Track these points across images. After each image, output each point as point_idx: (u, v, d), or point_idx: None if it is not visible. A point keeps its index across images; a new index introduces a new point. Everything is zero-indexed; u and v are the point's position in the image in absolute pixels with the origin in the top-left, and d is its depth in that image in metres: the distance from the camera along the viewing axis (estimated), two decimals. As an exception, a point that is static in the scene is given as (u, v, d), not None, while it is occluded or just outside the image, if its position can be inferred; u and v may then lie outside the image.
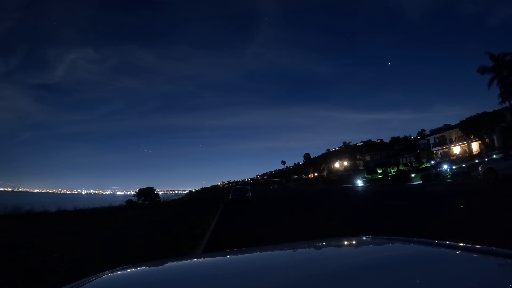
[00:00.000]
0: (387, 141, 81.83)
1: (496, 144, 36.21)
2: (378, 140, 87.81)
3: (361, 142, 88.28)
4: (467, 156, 38.72)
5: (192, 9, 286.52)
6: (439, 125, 52.24)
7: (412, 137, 76.28)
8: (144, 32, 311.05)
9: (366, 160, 69.17)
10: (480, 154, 36.28)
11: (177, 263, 1.31)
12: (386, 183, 29.74)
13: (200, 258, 1.69)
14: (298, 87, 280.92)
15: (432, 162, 39.99)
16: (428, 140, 52.68)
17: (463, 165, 27.04)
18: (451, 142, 45.74)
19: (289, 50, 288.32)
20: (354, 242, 1.39)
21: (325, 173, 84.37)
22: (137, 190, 43.86)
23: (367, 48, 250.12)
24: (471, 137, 39.91)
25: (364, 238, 1.44)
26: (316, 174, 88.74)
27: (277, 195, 28.64)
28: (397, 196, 13.06)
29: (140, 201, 37.54)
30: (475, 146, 41.35)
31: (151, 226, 8.11)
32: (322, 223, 7.75)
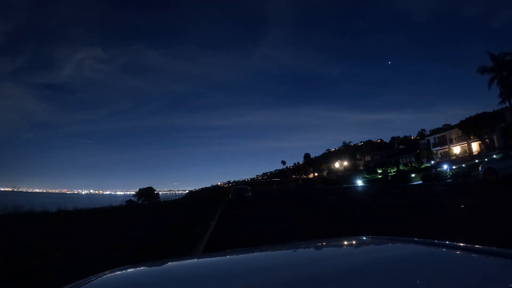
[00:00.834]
0: (387, 141, 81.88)
1: (496, 144, 36.21)
2: (378, 140, 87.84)
3: (361, 142, 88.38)
4: (467, 156, 38.71)
5: (201, 9, 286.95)
6: (440, 125, 52.30)
7: (412, 137, 76.25)
8: (153, 32, 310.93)
9: (366, 160, 69.15)
10: (480, 154, 36.27)
11: (177, 263, 1.31)
12: (386, 183, 29.72)
13: (200, 258, 1.69)
14: (302, 87, 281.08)
15: (432, 162, 39.97)
16: (428, 140, 52.68)
17: (463, 165, 27.03)
18: (451, 142, 45.74)
19: (295, 51, 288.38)
20: (354, 242, 1.39)
21: (325, 173, 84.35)
22: (137, 190, 43.96)
23: (370, 49, 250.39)
24: (471, 137, 39.91)
25: (364, 238, 1.44)
26: (316, 174, 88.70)
27: (277, 195, 28.64)
28: (398, 196, 13.06)
29: (140, 201, 37.55)
30: (475, 146, 41.35)
31: (151, 226, 8.11)
32: (323, 223, 7.74)
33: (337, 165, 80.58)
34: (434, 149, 48.87)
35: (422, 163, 43.56)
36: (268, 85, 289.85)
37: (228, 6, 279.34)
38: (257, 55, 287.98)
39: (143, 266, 1.21)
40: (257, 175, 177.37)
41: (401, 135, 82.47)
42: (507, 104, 34.37)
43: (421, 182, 23.77)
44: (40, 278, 3.45)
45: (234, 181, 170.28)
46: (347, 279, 0.77)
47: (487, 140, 37.57)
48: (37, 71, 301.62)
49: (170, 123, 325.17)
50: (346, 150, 79.84)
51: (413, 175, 29.69)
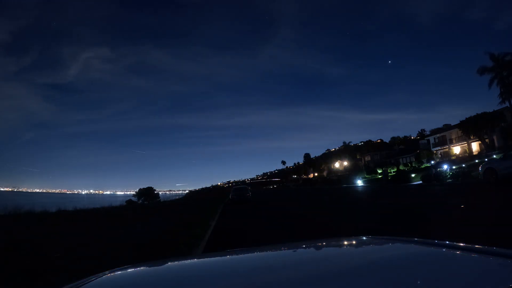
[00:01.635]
0: (387, 141, 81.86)
1: (496, 144, 36.21)
2: (378, 140, 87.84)
3: (361, 142, 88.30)
4: (467, 156, 38.71)
5: (207, 11, 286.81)
6: (440, 125, 52.31)
7: (412, 137, 76.24)
8: (160, 32, 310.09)
9: (366, 160, 69.17)
10: (480, 154, 36.28)
11: (177, 263, 1.31)
12: (386, 183, 29.72)
13: (200, 258, 1.69)
14: (302, 88, 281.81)
15: (432, 162, 39.95)
16: (428, 140, 52.69)
17: (463, 165, 27.03)
18: (451, 142, 45.74)
19: (298, 52, 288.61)
20: (354, 242, 1.39)
21: (325, 173, 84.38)
22: (137, 190, 44.00)
23: (370, 50, 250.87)
24: (471, 137, 39.92)
25: (364, 238, 1.44)
26: (316, 174, 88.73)
27: (277, 195, 28.65)
28: (398, 196, 13.06)
29: (140, 201, 37.59)
30: (475, 146, 41.35)
31: (151, 226, 8.11)
32: (323, 224, 7.74)
33: (337, 165, 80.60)
34: (434, 149, 48.87)
35: (422, 163, 43.57)
36: (269, 85, 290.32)
37: (234, 7, 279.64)
38: (257, 55, 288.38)
39: (143, 266, 1.21)
40: (257, 175, 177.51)
41: (401, 135, 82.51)
42: (507, 104, 34.38)
43: (421, 182, 23.79)
44: (40, 278, 3.45)
45: (234, 181, 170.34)
46: (347, 279, 0.77)
47: (487, 140, 37.57)
48: (42, 71, 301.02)
49: (170, 123, 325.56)
50: (346, 150, 79.86)
51: (413, 175, 29.69)
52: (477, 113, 37.03)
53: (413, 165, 44.49)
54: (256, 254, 1.32)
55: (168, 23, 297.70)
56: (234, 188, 21.85)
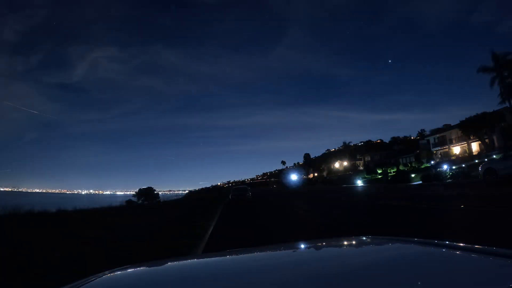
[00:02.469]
0: (387, 141, 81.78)
1: (496, 144, 36.19)
2: (378, 140, 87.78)
3: (361, 142, 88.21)
4: (467, 156, 38.72)
5: (218, 11, 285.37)
6: (440, 126, 52.22)
7: (412, 137, 76.16)
8: (169, 32, 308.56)
9: (366, 160, 69.19)
10: (480, 154, 36.27)
11: (177, 263, 1.31)
12: (386, 183, 29.74)
13: (200, 258, 1.69)
14: (302, 88, 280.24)
15: (432, 162, 40.01)
16: (428, 140, 52.65)
17: (463, 165, 27.05)
18: (451, 142, 45.72)
19: (304, 53, 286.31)
20: (354, 242, 1.39)
21: (325, 173, 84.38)
22: (137, 190, 43.93)
23: (371, 50, 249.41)
24: (471, 137, 39.91)
25: (364, 238, 1.44)
26: (316, 174, 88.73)
27: (277, 195, 28.64)
28: (398, 196, 13.05)
29: (140, 201, 37.54)
30: (475, 146, 41.34)
31: (151, 226, 8.11)
32: (323, 224, 7.74)
33: (337, 165, 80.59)
34: (434, 149, 48.85)
35: (422, 163, 43.59)
36: (274, 86, 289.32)
37: (244, 8, 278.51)
38: (257, 56, 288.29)
39: (143, 266, 1.21)
40: (257, 175, 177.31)
41: (401, 135, 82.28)
42: (507, 104, 34.35)
43: (421, 182, 23.81)
44: (40, 278, 3.45)
45: (234, 181, 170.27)
46: (348, 279, 0.77)
47: (487, 140, 37.57)
48: (49, 70, 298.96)
49: (171, 123, 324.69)
50: (346, 150, 79.75)
51: (413, 175, 29.74)
52: (477, 113, 37.08)
53: (413, 165, 44.50)
54: (256, 254, 1.32)
55: (177, 23, 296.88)
56: (233, 188, 21.85)
